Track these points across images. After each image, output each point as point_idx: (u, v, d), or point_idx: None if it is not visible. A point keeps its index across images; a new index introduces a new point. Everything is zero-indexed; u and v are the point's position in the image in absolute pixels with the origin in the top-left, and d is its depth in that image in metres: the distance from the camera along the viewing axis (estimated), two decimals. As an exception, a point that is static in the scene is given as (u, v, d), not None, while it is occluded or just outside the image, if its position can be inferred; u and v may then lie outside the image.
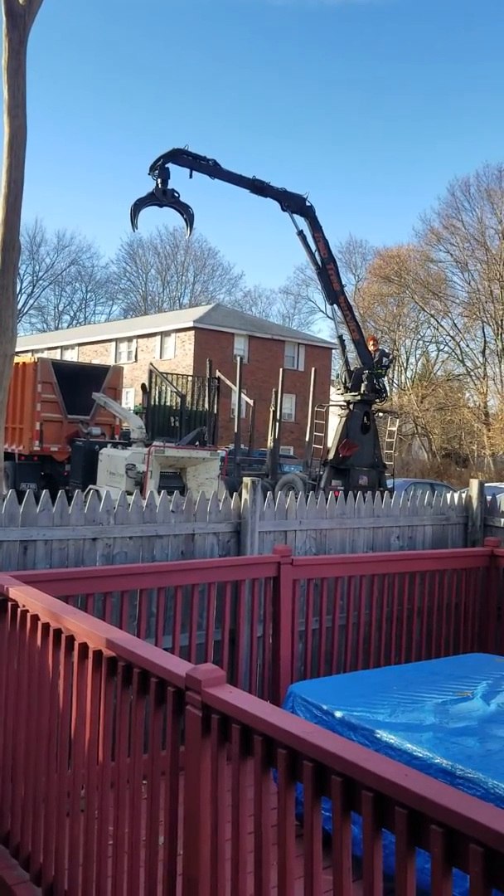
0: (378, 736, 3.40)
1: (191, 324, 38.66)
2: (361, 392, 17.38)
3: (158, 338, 40.73)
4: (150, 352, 40.51)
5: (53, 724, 3.24)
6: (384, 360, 18.67)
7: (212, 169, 16.19)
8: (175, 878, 2.56)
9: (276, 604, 5.03)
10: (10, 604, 3.60)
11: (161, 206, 16.03)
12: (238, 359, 26.13)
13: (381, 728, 3.43)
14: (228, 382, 25.27)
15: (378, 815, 1.81)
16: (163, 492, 5.40)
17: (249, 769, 2.23)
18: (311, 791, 2.00)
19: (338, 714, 3.62)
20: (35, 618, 3.37)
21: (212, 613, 4.82)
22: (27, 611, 3.44)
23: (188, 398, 24.00)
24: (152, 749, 2.65)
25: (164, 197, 15.82)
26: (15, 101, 9.93)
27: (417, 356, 53.80)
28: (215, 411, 23.36)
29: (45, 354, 42.30)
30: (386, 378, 19.90)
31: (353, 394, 17.50)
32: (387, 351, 20.42)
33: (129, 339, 42.83)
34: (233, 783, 2.30)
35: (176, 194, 16.02)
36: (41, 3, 10.20)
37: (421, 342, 53.18)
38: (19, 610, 3.50)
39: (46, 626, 3.27)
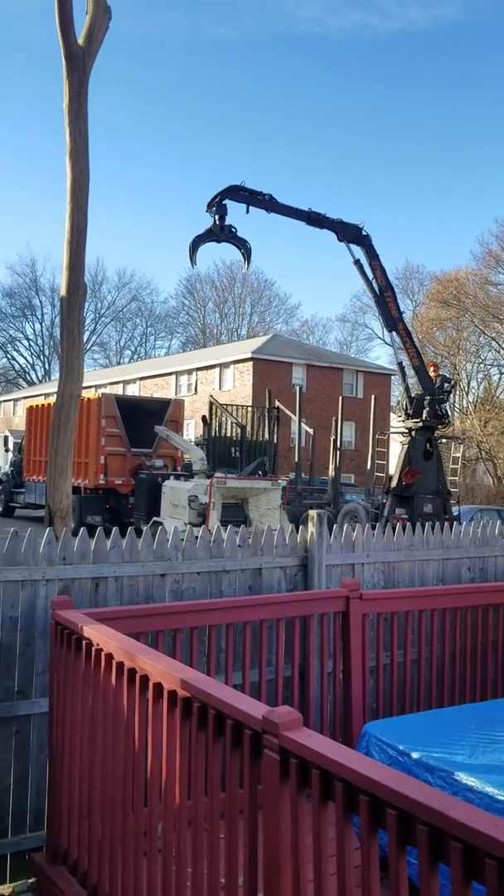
0: (457, 778, 3.31)
1: (249, 355, 38.99)
2: (423, 418, 17.18)
3: (217, 369, 41.19)
4: (209, 383, 40.97)
5: (129, 763, 3.26)
6: (445, 385, 18.45)
7: (268, 203, 16.42)
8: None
9: (345, 639, 4.97)
10: (84, 642, 3.65)
11: (219, 241, 16.31)
12: (297, 388, 26.19)
13: (460, 770, 3.34)
14: (288, 412, 25.32)
15: (467, 867, 1.76)
16: (229, 526, 5.43)
17: (330, 814, 2.20)
18: (396, 840, 1.95)
19: (414, 755, 3.54)
20: (109, 657, 3.41)
21: (281, 649, 4.79)
22: (101, 649, 3.49)
23: (248, 428, 24.15)
24: (230, 788, 2.64)
25: (221, 233, 16.09)
26: (77, 144, 10.11)
27: (479, 380, 52.97)
28: (275, 441, 23.42)
29: (108, 389, 43.23)
30: (448, 403, 19.66)
31: (414, 420, 17.31)
32: (448, 376, 20.20)
33: (189, 371, 43.43)
34: (314, 825, 2.26)
35: (233, 230, 16.27)
36: (101, 44, 10.36)
37: (482, 365, 52.37)
38: (94, 648, 3.55)
39: (121, 665, 3.30)
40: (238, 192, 16.18)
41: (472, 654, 5.59)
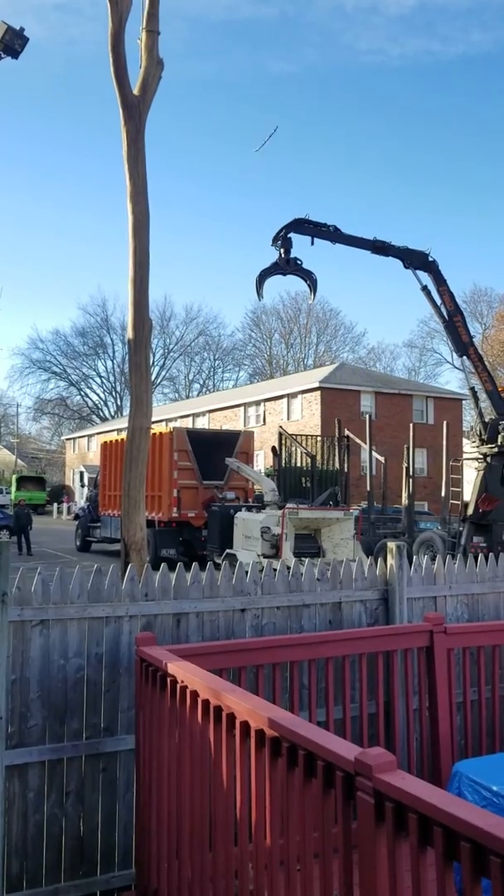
0: None
1: (316, 384, 39.01)
2: (499, 443, 16.80)
3: (285, 400, 41.33)
4: (277, 414, 41.13)
5: (218, 802, 3.25)
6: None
7: (333, 235, 16.55)
8: None
9: (430, 675, 4.85)
10: (169, 679, 3.68)
11: (285, 274, 16.49)
12: (366, 416, 26.02)
13: None
14: (357, 440, 25.14)
15: None
16: (307, 560, 5.40)
17: (430, 859, 2.14)
18: (501, 890, 1.88)
19: (510, 797, 3.41)
20: (195, 694, 3.42)
21: (364, 685, 4.71)
22: (186, 686, 3.50)
23: (318, 458, 24.07)
24: (323, 827, 2.59)
25: (287, 266, 16.28)
26: (136, 187, 10.48)
27: None
28: (346, 470, 23.25)
29: (178, 423, 43.90)
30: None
31: (489, 446, 16.94)
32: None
33: (257, 402, 43.72)
34: (412, 870, 2.20)
35: (299, 262, 16.44)
36: (155, 93, 10.77)
37: None
38: (179, 686, 3.57)
39: (206, 703, 3.31)
40: (302, 226, 16.37)
41: None
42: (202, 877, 3.34)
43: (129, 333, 10.52)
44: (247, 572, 4.93)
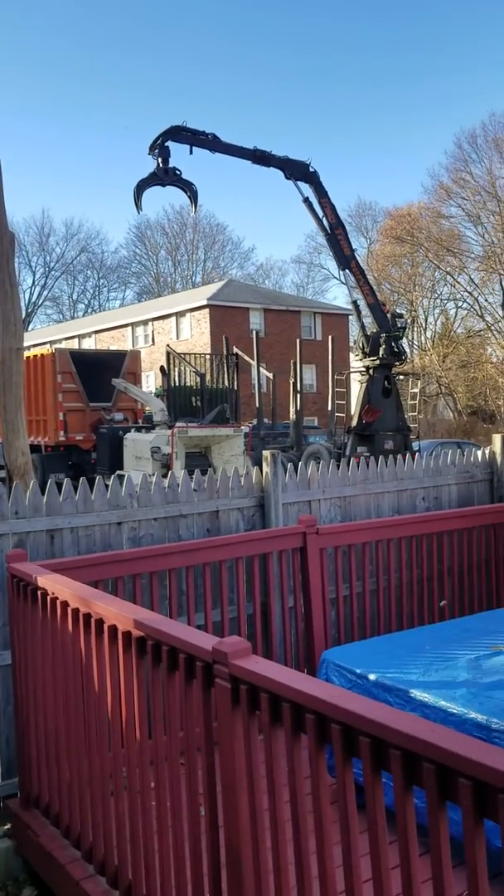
0: (412, 695, 3.41)
1: (205, 302, 38.53)
2: (380, 356, 17.26)
3: (174, 319, 40.69)
4: (166, 334, 40.50)
5: (91, 707, 3.30)
6: (398, 321, 18.49)
7: (211, 143, 16.05)
8: (218, 849, 2.61)
9: (304, 574, 5.04)
10: (39, 592, 3.65)
11: (164, 185, 15.96)
12: (254, 333, 26.00)
13: (414, 687, 3.44)
14: (247, 358, 25.16)
15: (407, 773, 1.82)
16: (184, 471, 5.42)
17: (280, 737, 2.26)
18: (341, 753, 2.01)
19: (371, 676, 3.63)
20: (65, 604, 3.42)
21: (241, 588, 4.84)
22: (56, 598, 3.49)
23: (208, 377, 23.95)
24: (187, 725, 2.69)
25: (166, 176, 15.75)
26: None
27: (436, 315, 53.10)
28: (235, 388, 23.30)
29: (63, 345, 42.45)
30: (404, 340, 19.74)
31: (371, 359, 17.39)
32: (399, 312, 20.23)
33: (145, 322, 42.84)
34: (266, 753, 2.32)
35: (178, 172, 15.92)
36: None
37: (439, 301, 52.48)
38: (49, 598, 3.56)
39: (76, 612, 3.31)
40: (180, 133, 15.78)
41: (429, 580, 5.72)
42: (80, 780, 3.42)
43: None
44: (122, 485, 4.91)
